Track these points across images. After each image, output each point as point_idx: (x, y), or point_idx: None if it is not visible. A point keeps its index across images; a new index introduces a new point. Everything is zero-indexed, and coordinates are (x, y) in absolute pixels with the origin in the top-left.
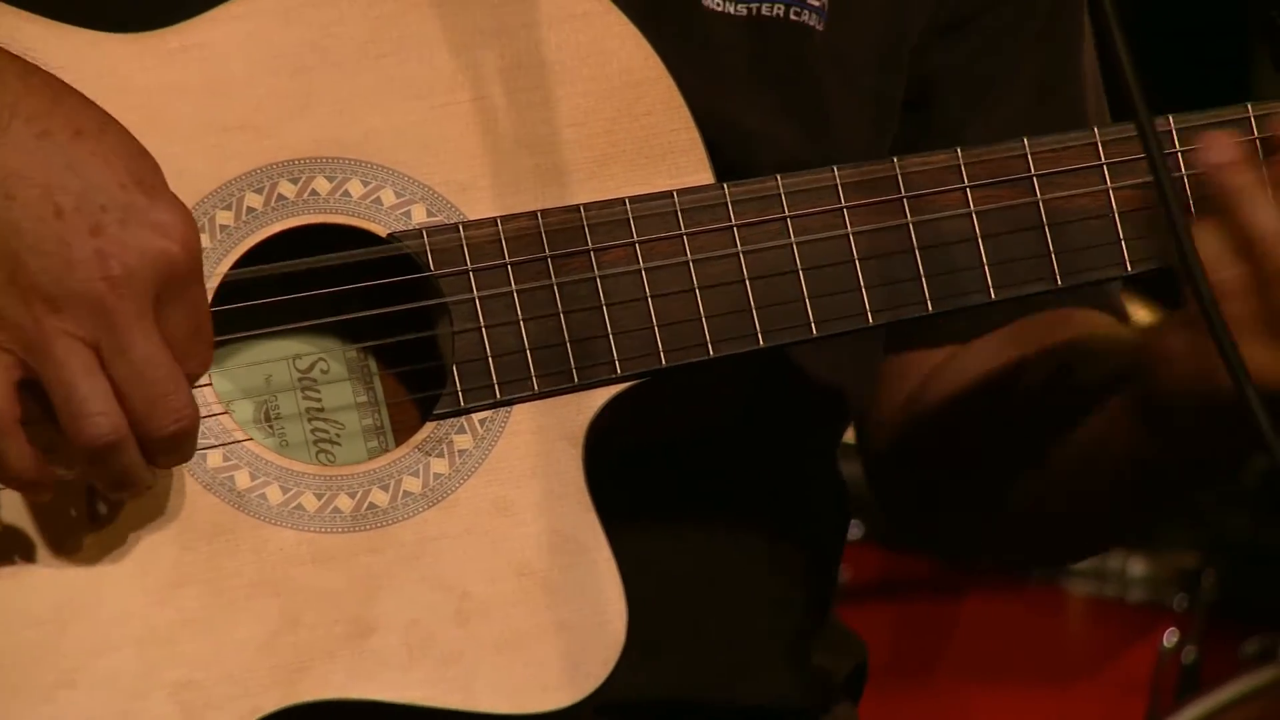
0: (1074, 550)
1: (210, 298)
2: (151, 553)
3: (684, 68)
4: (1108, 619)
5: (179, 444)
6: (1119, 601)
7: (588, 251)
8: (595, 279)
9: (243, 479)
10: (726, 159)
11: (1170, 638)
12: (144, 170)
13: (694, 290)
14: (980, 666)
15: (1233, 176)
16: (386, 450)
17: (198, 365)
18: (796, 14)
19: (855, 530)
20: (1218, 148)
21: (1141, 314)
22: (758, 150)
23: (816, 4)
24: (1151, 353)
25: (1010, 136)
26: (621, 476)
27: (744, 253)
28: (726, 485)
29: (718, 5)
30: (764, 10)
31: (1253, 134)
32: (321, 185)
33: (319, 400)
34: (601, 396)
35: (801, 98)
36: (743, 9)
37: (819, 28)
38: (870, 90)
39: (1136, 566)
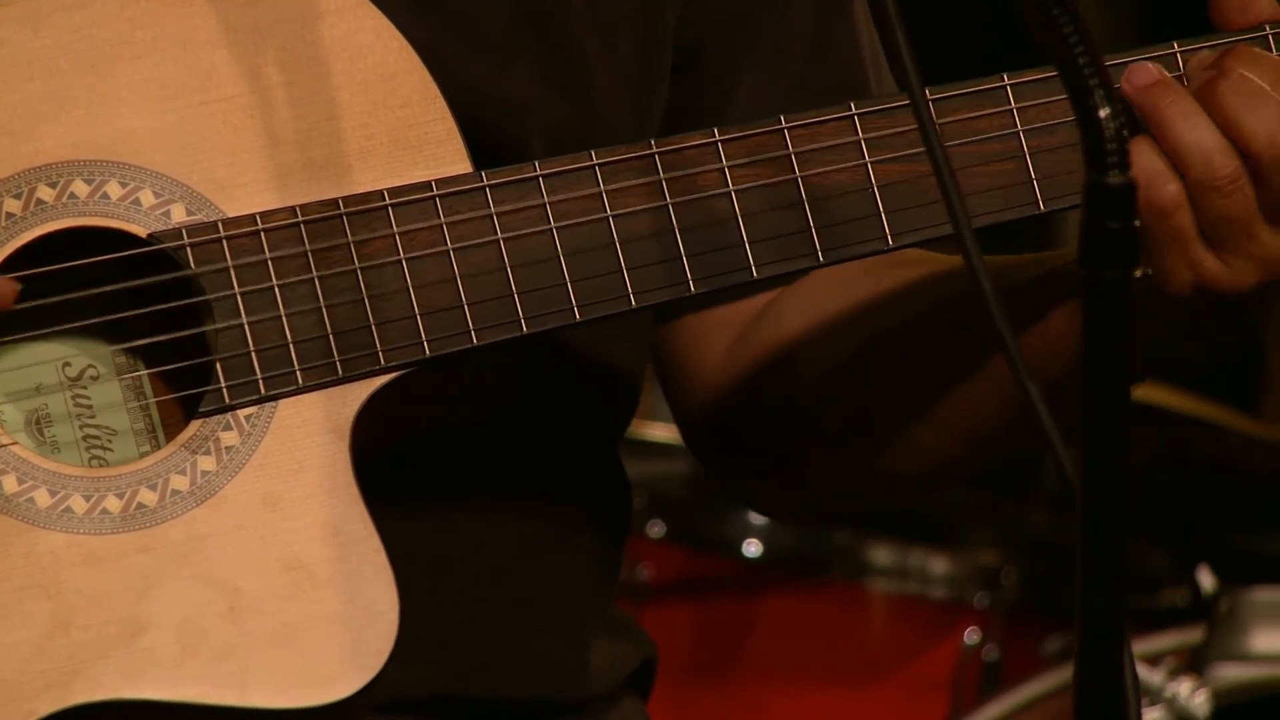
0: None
1: None
2: None
3: (444, 40)
4: (909, 617)
5: None
6: (920, 599)
7: (347, 244)
8: (356, 271)
9: (9, 483)
10: (491, 132)
11: (971, 636)
12: None
13: (455, 279)
14: (782, 665)
15: (1158, 97)
16: (158, 450)
17: None
18: None
19: (657, 529)
20: (1140, 72)
21: None
22: (522, 121)
23: None
24: None
25: (783, 94)
26: (392, 469)
27: (504, 240)
28: (500, 477)
29: None
30: None
31: (1010, 104)
32: (80, 188)
33: (88, 402)
34: (367, 389)
35: (564, 66)
36: None
37: None
38: (632, 56)
39: (937, 564)
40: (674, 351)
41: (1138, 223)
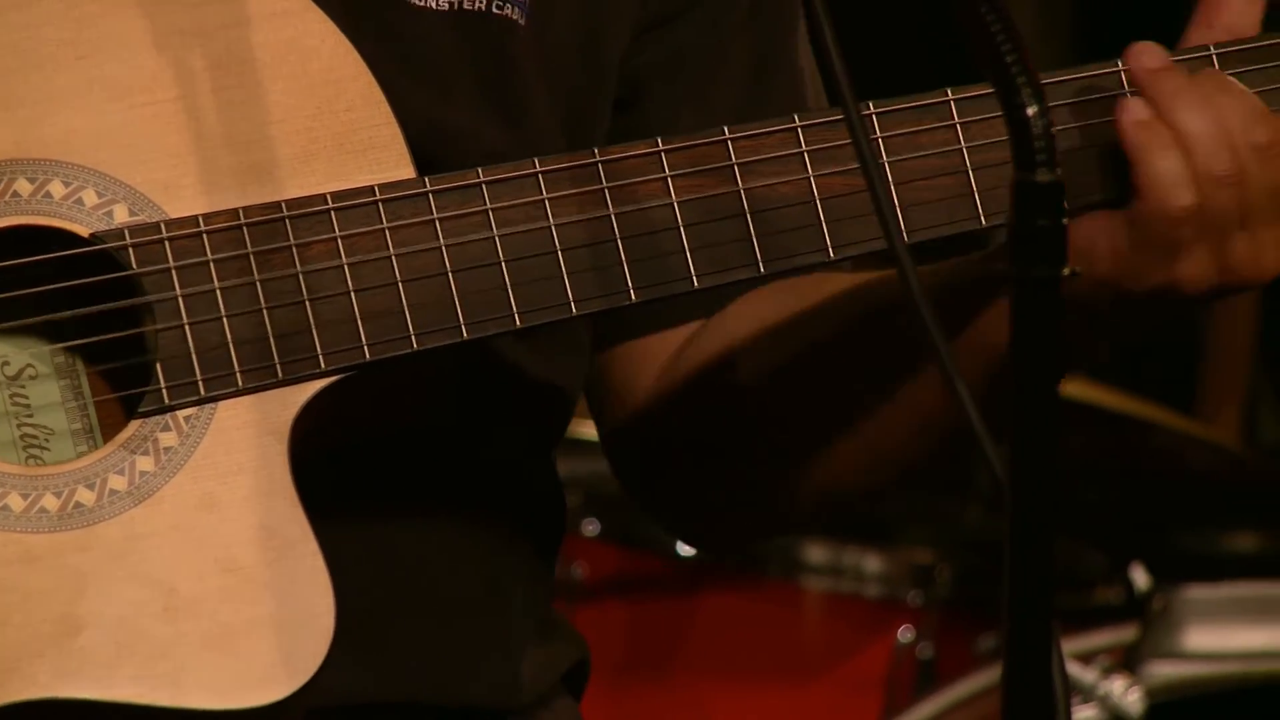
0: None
1: None
2: None
3: (386, 65)
4: (843, 615)
5: None
6: (854, 597)
7: (289, 247)
8: (298, 274)
9: None
10: (429, 158)
11: (905, 634)
12: None
13: (397, 283)
14: (717, 663)
15: (1166, 81)
16: (96, 450)
17: None
18: (499, 7)
19: (591, 527)
20: (1150, 54)
21: None
22: (460, 149)
23: None
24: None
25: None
26: (332, 472)
27: (446, 245)
28: (437, 484)
29: (420, 0)
30: (466, 4)
31: (953, 119)
32: (23, 187)
33: (26, 401)
34: (307, 392)
35: (504, 93)
36: (445, 3)
37: (521, 21)
38: (571, 87)
39: (872, 562)
40: (606, 379)
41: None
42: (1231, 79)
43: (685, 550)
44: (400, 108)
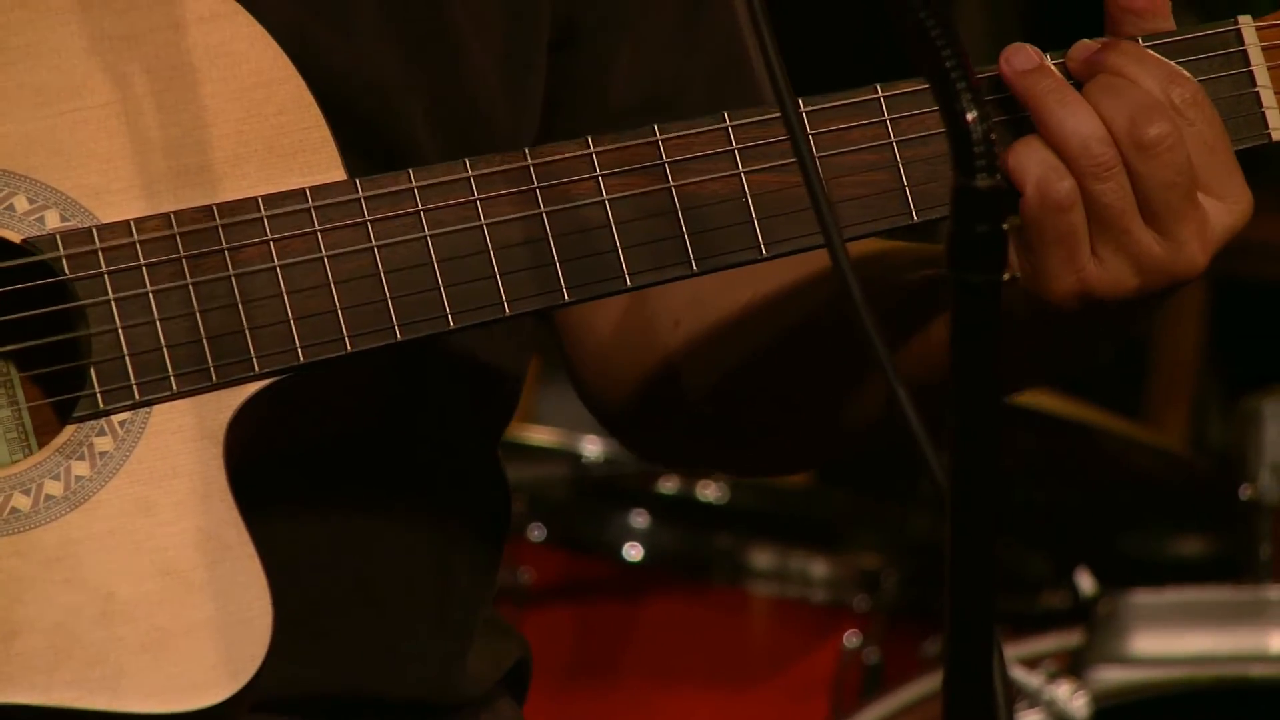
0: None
1: None
2: None
3: (314, 23)
4: (790, 620)
5: None
6: (801, 602)
7: (222, 250)
8: (230, 277)
9: None
10: (365, 114)
11: (852, 638)
12: None
13: (329, 285)
14: (663, 668)
15: (1034, 82)
16: (32, 455)
17: None
18: None
19: (538, 532)
20: (1020, 56)
21: None
22: (395, 102)
23: None
24: None
25: (660, 62)
26: (271, 471)
27: (378, 247)
28: (379, 478)
29: None
30: None
31: (883, 115)
32: None
33: None
34: (241, 395)
35: (434, 44)
36: None
37: None
38: (503, 33)
39: (818, 567)
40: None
41: (1014, 222)
42: (1141, 60)
43: (631, 555)
44: (333, 69)
